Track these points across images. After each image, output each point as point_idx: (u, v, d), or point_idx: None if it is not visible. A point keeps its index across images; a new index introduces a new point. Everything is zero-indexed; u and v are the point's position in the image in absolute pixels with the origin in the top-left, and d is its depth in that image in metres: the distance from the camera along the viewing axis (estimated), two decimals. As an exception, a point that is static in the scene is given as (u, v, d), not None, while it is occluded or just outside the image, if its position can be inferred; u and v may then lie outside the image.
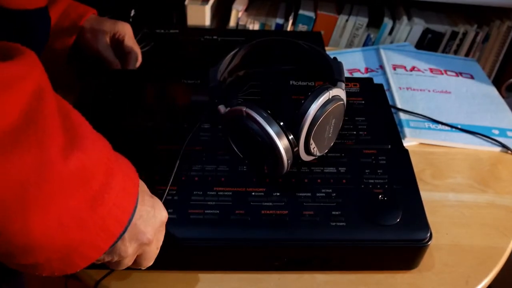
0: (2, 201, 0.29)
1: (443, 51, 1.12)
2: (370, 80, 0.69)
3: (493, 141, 0.73)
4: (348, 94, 0.56)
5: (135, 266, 0.45)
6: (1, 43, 0.31)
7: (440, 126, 0.75)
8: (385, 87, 0.71)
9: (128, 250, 0.40)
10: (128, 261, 0.42)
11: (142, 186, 0.42)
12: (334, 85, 0.53)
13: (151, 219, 0.42)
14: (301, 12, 1.08)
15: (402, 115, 0.76)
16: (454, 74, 0.88)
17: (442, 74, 0.87)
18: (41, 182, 0.30)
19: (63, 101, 0.34)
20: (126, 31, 0.72)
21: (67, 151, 0.32)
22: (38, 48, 0.50)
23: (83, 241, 0.34)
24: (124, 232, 0.38)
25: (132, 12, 0.87)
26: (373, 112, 0.64)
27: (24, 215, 0.30)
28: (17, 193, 0.30)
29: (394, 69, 0.87)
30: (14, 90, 0.29)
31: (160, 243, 0.45)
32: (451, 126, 0.75)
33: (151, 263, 0.45)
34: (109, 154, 0.36)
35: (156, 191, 0.46)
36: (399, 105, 0.78)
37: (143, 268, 0.46)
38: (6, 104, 0.29)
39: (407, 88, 0.83)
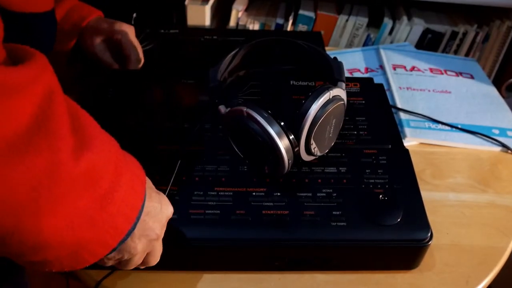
0: (14, 203, 0.30)
1: (443, 51, 1.12)
2: (370, 80, 0.69)
3: (493, 141, 0.73)
4: (348, 94, 0.56)
5: (143, 265, 0.45)
6: (11, 45, 0.32)
7: (440, 126, 0.75)
8: (385, 87, 0.71)
9: (138, 247, 0.41)
10: (138, 259, 0.43)
11: (149, 183, 0.43)
12: (334, 85, 0.53)
13: (158, 215, 0.42)
14: (301, 12, 1.08)
15: (402, 115, 0.76)
16: (454, 74, 0.88)
17: (442, 74, 0.87)
18: (52, 185, 0.31)
19: (72, 101, 0.34)
20: (124, 32, 0.71)
21: (77, 152, 0.32)
22: (44, 51, 0.50)
23: (92, 239, 0.35)
24: (133, 229, 0.39)
25: (134, 15, 0.87)
26: (373, 112, 0.64)
27: (35, 216, 0.31)
28: (28, 196, 0.30)
29: (394, 69, 0.87)
30: (25, 94, 0.29)
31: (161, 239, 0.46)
32: (451, 126, 0.75)
33: (157, 260, 0.46)
34: (117, 153, 0.37)
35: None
36: (399, 105, 0.78)
37: (142, 268, 0.46)
38: (17, 108, 0.29)
39: (407, 88, 0.83)
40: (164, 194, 0.50)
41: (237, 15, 1.07)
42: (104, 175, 0.34)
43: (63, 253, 0.34)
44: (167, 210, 0.44)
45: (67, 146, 0.31)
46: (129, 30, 0.72)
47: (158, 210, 0.42)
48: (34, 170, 0.30)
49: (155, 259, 0.45)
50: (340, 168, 0.56)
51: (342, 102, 0.52)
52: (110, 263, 0.42)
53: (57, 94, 0.32)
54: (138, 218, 0.39)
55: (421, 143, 0.73)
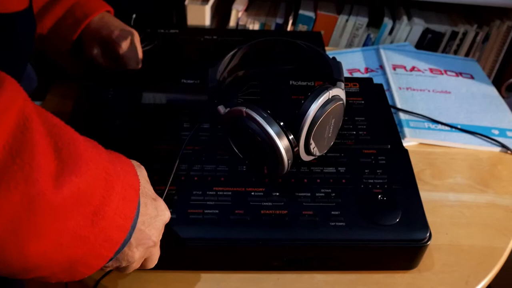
0: None
1: (443, 51, 1.12)
2: (370, 80, 0.69)
3: (493, 141, 0.73)
4: (348, 94, 0.56)
5: (140, 268, 0.45)
6: None
7: (440, 126, 0.75)
8: (385, 87, 0.71)
9: (135, 255, 0.40)
10: (136, 265, 0.43)
11: (145, 188, 0.42)
12: (333, 85, 0.53)
13: (154, 222, 0.41)
14: (301, 12, 1.08)
15: (402, 115, 0.76)
16: (454, 74, 0.88)
17: (442, 74, 0.87)
18: (31, 215, 0.30)
19: (54, 118, 0.33)
20: (123, 39, 0.69)
21: (59, 178, 0.31)
22: (22, 52, 0.49)
23: (86, 254, 0.35)
24: (128, 238, 0.38)
25: (134, 15, 0.86)
26: (372, 112, 0.64)
27: (17, 245, 0.30)
28: (7, 228, 0.29)
29: (394, 69, 0.87)
30: None
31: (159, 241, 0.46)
32: (451, 126, 0.75)
33: (155, 263, 0.46)
34: (106, 167, 0.35)
35: (155, 191, 0.46)
36: (399, 105, 0.78)
37: (148, 268, 0.46)
38: None
39: (407, 88, 0.83)
40: (163, 193, 0.50)
41: (237, 15, 1.07)
42: (93, 193, 0.33)
43: (56, 270, 0.34)
44: (164, 215, 0.43)
45: (46, 174, 0.30)
46: (131, 36, 0.70)
47: (154, 217, 0.41)
48: (9, 205, 0.29)
49: (152, 263, 0.45)
50: (339, 168, 0.56)
51: (341, 102, 0.52)
52: (108, 269, 0.42)
53: (31, 120, 0.30)
54: (133, 227, 0.38)
55: (421, 143, 0.73)
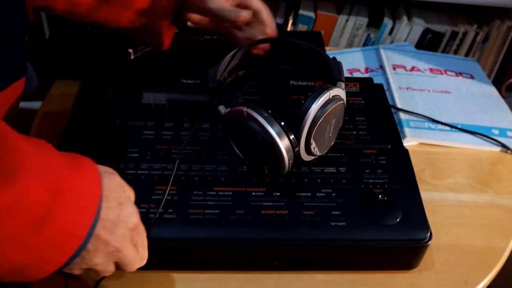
0: None
1: (443, 51, 1.12)
2: (370, 80, 0.69)
3: (493, 141, 0.73)
4: (348, 94, 0.56)
5: (121, 271, 0.44)
6: None
7: (440, 126, 0.75)
8: (385, 87, 0.71)
9: (96, 260, 0.39)
10: (104, 268, 0.41)
11: (113, 192, 0.40)
12: (334, 85, 0.53)
13: (116, 228, 0.40)
14: (301, 12, 1.09)
15: (402, 115, 0.76)
16: (454, 74, 0.88)
17: (442, 74, 0.87)
18: None
19: (4, 127, 0.33)
20: None
21: None
22: (12, 45, 0.47)
23: (33, 259, 0.34)
24: (85, 244, 0.37)
25: None
26: (373, 112, 0.64)
27: None
28: None
29: (394, 69, 0.87)
30: None
31: (141, 245, 0.44)
32: (451, 126, 0.75)
33: (135, 265, 0.44)
34: (56, 175, 0.35)
35: (155, 191, 0.46)
36: (399, 105, 0.78)
37: (129, 271, 0.45)
38: None
39: (407, 88, 0.83)
40: (164, 193, 0.50)
41: (237, 15, 1.07)
42: (35, 202, 0.33)
43: (3, 273, 0.34)
44: (128, 220, 0.41)
45: None
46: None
47: (116, 222, 0.40)
48: None
49: (128, 267, 0.43)
50: (340, 168, 0.56)
51: (342, 102, 0.52)
52: (76, 272, 0.40)
53: None
54: (90, 233, 0.37)
55: (421, 143, 0.73)
